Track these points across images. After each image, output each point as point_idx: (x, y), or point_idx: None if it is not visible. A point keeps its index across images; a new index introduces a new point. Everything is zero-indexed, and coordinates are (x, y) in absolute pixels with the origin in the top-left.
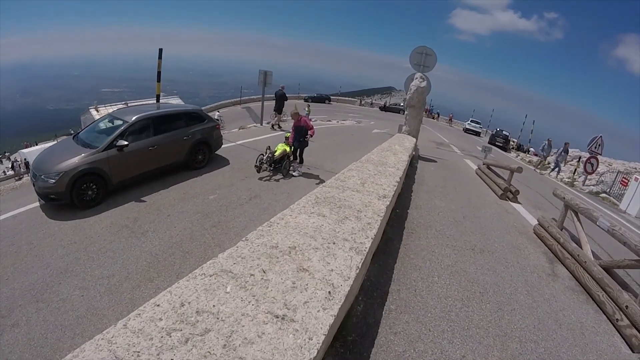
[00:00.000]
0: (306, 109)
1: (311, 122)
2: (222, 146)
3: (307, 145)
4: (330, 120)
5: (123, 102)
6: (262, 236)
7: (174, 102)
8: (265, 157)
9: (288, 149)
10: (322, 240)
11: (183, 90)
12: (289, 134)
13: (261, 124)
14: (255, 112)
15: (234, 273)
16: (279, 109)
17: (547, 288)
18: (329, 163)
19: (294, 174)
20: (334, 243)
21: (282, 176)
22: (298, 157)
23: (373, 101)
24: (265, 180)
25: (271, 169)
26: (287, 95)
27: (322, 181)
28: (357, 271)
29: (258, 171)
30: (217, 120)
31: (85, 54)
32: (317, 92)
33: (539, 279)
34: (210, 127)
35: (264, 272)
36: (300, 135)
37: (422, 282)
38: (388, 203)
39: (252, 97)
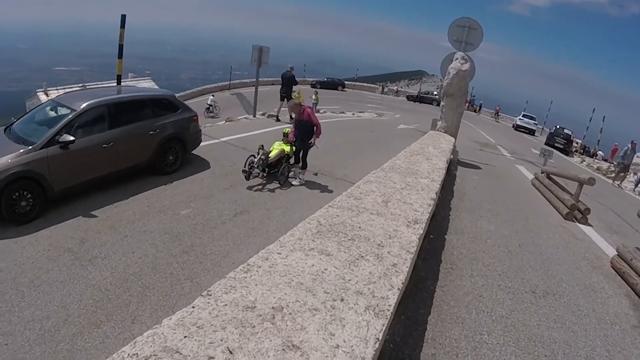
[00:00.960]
0: (313, 97)
1: (317, 116)
2: (202, 144)
3: (313, 146)
4: (343, 112)
5: (81, 85)
6: (232, 289)
7: (145, 85)
8: (257, 160)
9: (287, 148)
10: (323, 295)
11: (157, 69)
12: (288, 130)
13: (254, 115)
14: (248, 100)
15: (183, 354)
16: (287, 96)
17: (633, 346)
18: (341, 168)
19: (293, 182)
20: (341, 299)
21: (278, 185)
22: (300, 161)
23: (399, 88)
24: (256, 190)
25: (264, 175)
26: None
27: (329, 192)
28: (377, 346)
29: (247, 178)
30: (210, 106)
31: (35, 21)
32: (328, 75)
33: (622, 333)
34: (185, 118)
35: (231, 352)
36: (304, 133)
37: (467, 343)
38: (421, 232)
39: (244, 80)
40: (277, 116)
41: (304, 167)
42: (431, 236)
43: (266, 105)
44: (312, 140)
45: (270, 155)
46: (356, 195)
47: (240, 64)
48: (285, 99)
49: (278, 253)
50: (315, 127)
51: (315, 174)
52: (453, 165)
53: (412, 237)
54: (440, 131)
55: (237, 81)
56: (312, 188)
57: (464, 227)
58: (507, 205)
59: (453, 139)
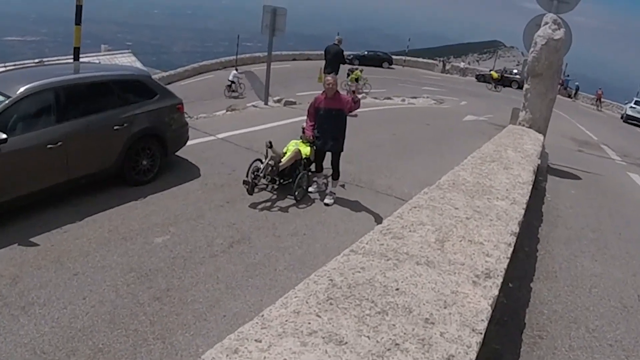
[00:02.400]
0: (357, 72)
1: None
2: (190, 142)
3: (342, 150)
4: (390, 98)
5: (37, 60)
6: None
7: (124, 61)
8: (264, 166)
9: (306, 150)
10: None
11: (142, 40)
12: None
13: (266, 102)
14: (260, 80)
15: None
16: (331, 71)
17: None
18: (384, 177)
19: (325, 200)
20: None
21: (293, 201)
22: (332, 168)
23: (466, 65)
24: (262, 209)
25: (275, 187)
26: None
27: (366, 212)
28: None
29: (250, 191)
30: (234, 81)
31: None
32: (369, 48)
33: None
34: (165, 108)
35: None
36: (335, 127)
37: None
38: (495, 292)
39: (256, 53)
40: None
41: (336, 177)
42: (510, 285)
43: (286, 89)
44: (352, 106)
45: (282, 160)
46: (395, 231)
47: (252, 32)
48: None
49: (256, 340)
50: (348, 105)
51: (342, 186)
52: (541, 175)
53: (481, 304)
54: (524, 125)
55: (247, 55)
56: (341, 205)
57: (558, 268)
58: (619, 234)
59: (541, 137)
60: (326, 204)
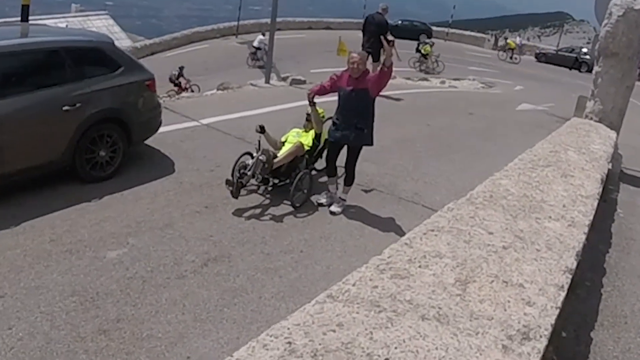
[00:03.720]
0: (426, 47)
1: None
2: (164, 128)
3: (371, 143)
4: (426, 79)
5: None
6: None
7: (100, 24)
8: (253, 162)
9: (307, 141)
10: None
11: (127, 0)
12: (321, 111)
13: (267, 81)
14: (265, 53)
15: None
16: (373, 52)
17: None
18: (410, 180)
19: (331, 208)
20: None
21: (289, 207)
22: (345, 170)
23: (523, 41)
24: (249, 217)
25: (268, 188)
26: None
27: (385, 225)
28: None
29: (235, 193)
30: (258, 50)
31: None
32: (405, 17)
33: None
34: (130, 84)
35: None
36: (357, 113)
37: None
38: None
39: (263, 19)
40: None
41: (350, 181)
42: (563, 334)
43: (298, 65)
44: (389, 40)
45: (278, 154)
46: (399, 267)
47: None
48: (371, 56)
49: None
50: (380, 80)
51: (368, 191)
52: (612, 183)
53: None
54: (592, 119)
55: (251, 22)
56: (352, 215)
57: (629, 311)
58: None
59: (614, 135)
60: (332, 213)
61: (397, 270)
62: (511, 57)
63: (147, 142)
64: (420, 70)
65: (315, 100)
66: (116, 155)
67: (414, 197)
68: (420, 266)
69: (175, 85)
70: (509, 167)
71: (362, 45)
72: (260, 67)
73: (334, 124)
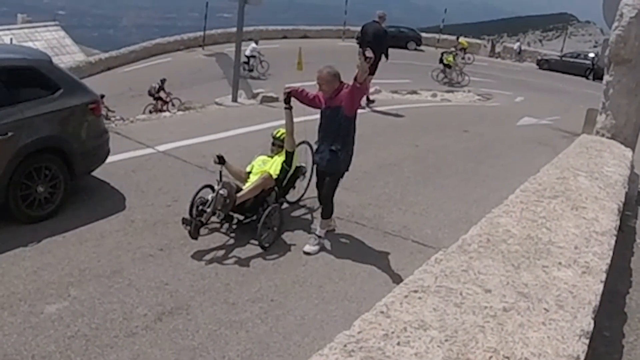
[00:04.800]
0: (448, 57)
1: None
2: (114, 157)
3: (347, 170)
4: (416, 92)
5: None
6: None
7: (49, 37)
8: (214, 197)
9: (275, 169)
10: None
11: (81, 9)
12: (281, 132)
13: (234, 99)
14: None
15: None
16: (371, 65)
17: None
18: (398, 210)
19: (306, 247)
20: None
21: (258, 248)
22: (319, 201)
23: (523, 47)
24: (211, 261)
25: (233, 225)
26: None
27: (369, 266)
28: None
29: (193, 234)
30: (250, 58)
31: None
32: (391, 23)
33: None
34: (71, 108)
35: None
36: (333, 134)
37: None
38: None
39: (231, 28)
40: (368, 97)
41: (327, 213)
42: None
43: (271, 79)
44: (367, 56)
45: (243, 189)
46: (371, 345)
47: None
48: (369, 69)
49: None
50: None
51: (332, 230)
52: (630, 208)
53: None
54: (604, 135)
55: (219, 31)
56: (330, 253)
57: None
58: None
59: (629, 153)
60: (306, 253)
61: (369, 350)
62: (463, 58)
63: (93, 173)
64: (444, 83)
65: (292, 104)
66: (57, 190)
67: (402, 231)
68: (399, 343)
69: (155, 99)
70: (509, 200)
71: (362, 53)
72: (253, 77)
73: (316, 147)
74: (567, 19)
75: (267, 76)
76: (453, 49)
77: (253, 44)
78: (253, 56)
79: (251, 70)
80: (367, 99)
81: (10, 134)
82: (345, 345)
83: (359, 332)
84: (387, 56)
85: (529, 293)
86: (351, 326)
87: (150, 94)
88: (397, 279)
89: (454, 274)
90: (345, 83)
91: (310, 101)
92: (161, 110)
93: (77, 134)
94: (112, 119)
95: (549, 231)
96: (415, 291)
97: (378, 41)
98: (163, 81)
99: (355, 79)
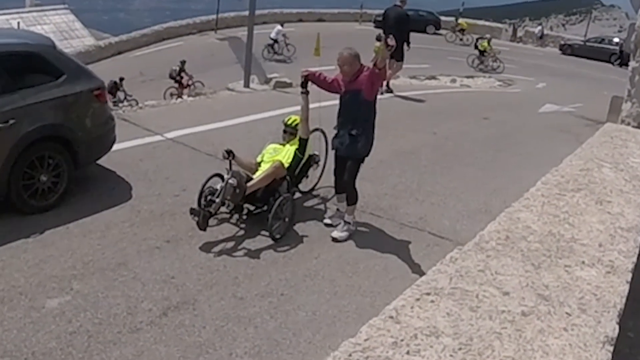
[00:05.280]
0: (483, 42)
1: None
2: (121, 145)
3: (367, 154)
4: (435, 77)
5: None
6: None
7: (58, 20)
8: (223, 187)
9: (287, 158)
10: None
11: None
12: (296, 119)
13: (246, 84)
14: (253, 54)
15: None
16: (395, 51)
17: None
18: (414, 201)
19: (334, 233)
20: None
21: (269, 239)
22: (343, 187)
23: (545, 31)
24: (219, 254)
25: (243, 216)
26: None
27: (384, 259)
28: None
29: (202, 225)
30: (275, 42)
31: None
32: (409, 6)
33: None
34: (75, 95)
35: None
36: (350, 115)
37: None
38: None
39: (245, 12)
40: (388, 84)
41: (352, 199)
42: None
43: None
44: (389, 44)
45: (253, 178)
46: (378, 355)
47: None
48: (395, 60)
49: None
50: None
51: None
52: None
53: None
54: (630, 124)
55: (231, 14)
56: (343, 249)
57: None
58: None
59: None
60: (334, 239)
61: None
62: (461, 40)
63: (99, 162)
64: (479, 70)
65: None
66: (60, 180)
67: (418, 223)
68: (408, 352)
69: (176, 82)
70: (530, 193)
71: (384, 38)
72: (278, 60)
73: (336, 132)
74: (591, 2)
75: (292, 59)
76: (451, 31)
77: (278, 27)
78: (276, 40)
79: (277, 53)
80: (387, 85)
81: (11, 121)
82: (350, 355)
83: (365, 339)
84: (408, 43)
85: (549, 295)
86: (357, 333)
87: (171, 77)
88: (413, 273)
89: (469, 274)
90: (366, 66)
91: (328, 85)
92: (181, 95)
93: (81, 122)
94: (191, 85)
95: (572, 227)
96: (428, 293)
97: (400, 26)
98: (183, 63)
99: (374, 64)
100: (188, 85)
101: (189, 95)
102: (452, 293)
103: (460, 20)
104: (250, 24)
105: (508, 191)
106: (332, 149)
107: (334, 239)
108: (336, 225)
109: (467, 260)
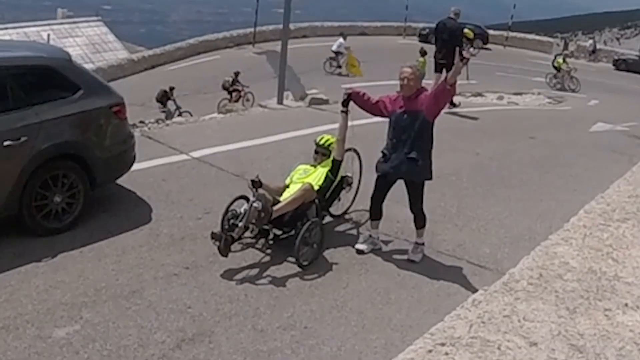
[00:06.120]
0: (558, 59)
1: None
2: (142, 165)
3: (430, 177)
4: (481, 94)
5: None
6: None
7: (91, 33)
8: (247, 211)
9: (318, 180)
10: None
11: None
12: (329, 139)
13: (280, 101)
14: (291, 67)
15: None
16: (447, 64)
17: None
18: (453, 226)
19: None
20: None
21: (295, 266)
22: (411, 210)
23: (598, 45)
24: (241, 282)
25: (269, 241)
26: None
27: (431, 297)
28: None
29: (224, 251)
30: (338, 54)
31: None
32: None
33: None
34: (92, 111)
35: None
36: (409, 136)
37: None
38: None
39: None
40: (452, 102)
41: (421, 223)
42: None
43: (326, 79)
44: (465, 57)
45: (281, 200)
46: None
47: None
48: (445, 70)
49: None
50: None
51: (379, 248)
52: None
53: None
54: None
55: (270, 28)
56: (374, 277)
57: None
58: None
59: None
60: (411, 261)
61: None
62: (468, 51)
63: (119, 182)
64: (557, 89)
65: (350, 108)
66: (75, 201)
67: (456, 250)
68: None
69: (230, 92)
70: (570, 224)
71: (434, 57)
72: (339, 74)
73: (382, 154)
74: None
75: (374, 75)
76: (566, 52)
77: (341, 39)
78: (340, 52)
79: (339, 67)
80: (452, 102)
81: (23, 139)
82: None
83: None
84: (462, 57)
85: (584, 346)
86: None
87: (224, 88)
88: (448, 306)
89: (493, 320)
90: (424, 87)
91: (371, 106)
92: (236, 102)
93: (98, 139)
94: (244, 97)
95: (616, 263)
96: (443, 344)
97: (454, 39)
98: (237, 74)
99: (445, 80)
100: (241, 97)
101: (244, 105)
102: (471, 344)
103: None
104: (284, 37)
105: (554, 216)
106: (380, 173)
107: (411, 261)
108: (368, 252)
109: (491, 304)
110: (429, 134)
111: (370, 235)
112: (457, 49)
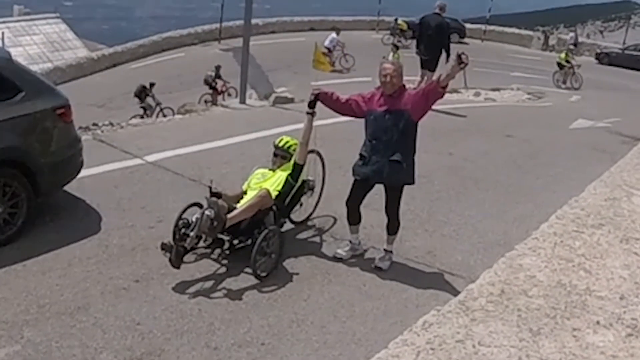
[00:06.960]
0: (563, 54)
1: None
2: (93, 170)
3: (413, 182)
4: (458, 91)
5: None
6: None
7: (49, 30)
8: (199, 219)
9: (276, 186)
10: None
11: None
12: (289, 141)
13: (242, 100)
14: (258, 63)
15: None
16: (430, 63)
17: None
18: (422, 233)
19: (345, 256)
20: None
21: (252, 277)
22: (387, 214)
23: (579, 39)
24: (194, 295)
25: (225, 251)
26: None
27: (397, 309)
28: None
29: (175, 262)
30: (330, 50)
31: None
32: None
33: None
34: (35, 114)
35: None
36: (392, 138)
37: None
38: None
39: (253, 20)
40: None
41: (394, 229)
42: None
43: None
44: (464, 62)
45: (237, 207)
46: None
47: None
48: (428, 70)
49: None
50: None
51: (361, 254)
52: None
53: None
54: None
55: (237, 23)
56: (336, 288)
57: None
58: None
59: None
60: (378, 268)
61: None
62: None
63: (68, 189)
64: (564, 87)
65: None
66: (18, 211)
67: (426, 257)
68: None
69: (211, 88)
70: (539, 231)
71: (418, 51)
72: (333, 71)
73: (360, 157)
74: (630, 7)
75: (351, 72)
76: (567, 46)
77: (333, 34)
78: (330, 49)
79: (332, 64)
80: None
81: None
82: None
83: None
84: (448, 53)
85: None
86: None
87: (206, 83)
88: (416, 318)
89: (444, 346)
90: (404, 84)
91: (341, 106)
92: (215, 102)
93: (42, 144)
94: (225, 92)
95: (588, 275)
96: None
97: (441, 35)
98: (218, 68)
99: (437, 81)
100: (222, 92)
101: (224, 101)
102: None
103: (400, 21)
104: (246, 33)
105: (532, 219)
106: (359, 177)
107: (379, 268)
108: (347, 260)
109: (444, 327)
110: (413, 135)
111: (350, 241)
112: (462, 55)
